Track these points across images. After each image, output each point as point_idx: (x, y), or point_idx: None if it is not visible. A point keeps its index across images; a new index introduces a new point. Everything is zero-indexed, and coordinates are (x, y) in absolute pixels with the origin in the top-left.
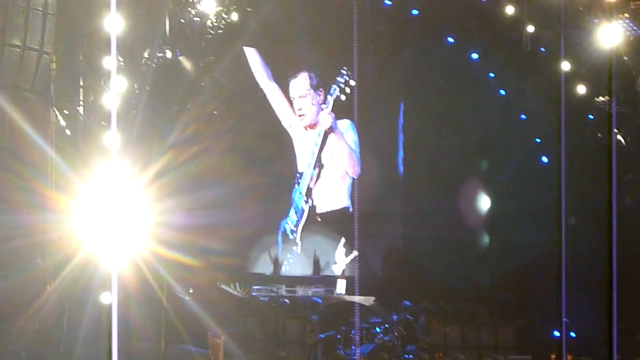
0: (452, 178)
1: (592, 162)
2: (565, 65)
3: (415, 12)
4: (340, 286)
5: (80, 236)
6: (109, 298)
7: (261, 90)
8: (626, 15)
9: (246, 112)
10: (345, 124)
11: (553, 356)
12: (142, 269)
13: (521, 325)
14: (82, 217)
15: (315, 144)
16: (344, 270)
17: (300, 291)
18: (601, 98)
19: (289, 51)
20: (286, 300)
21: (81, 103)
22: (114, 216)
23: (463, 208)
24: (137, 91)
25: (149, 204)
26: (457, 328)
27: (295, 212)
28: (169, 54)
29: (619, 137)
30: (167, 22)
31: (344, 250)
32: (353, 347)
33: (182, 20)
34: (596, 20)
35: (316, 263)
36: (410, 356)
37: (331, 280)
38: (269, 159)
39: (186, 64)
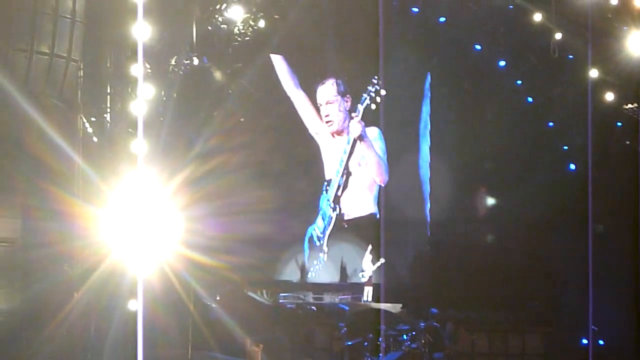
0: (479, 185)
1: (620, 170)
2: (594, 73)
3: (442, 19)
4: (367, 293)
5: (108, 243)
6: (135, 305)
7: (288, 97)
8: None
9: (274, 119)
10: (374, 133)
11: None
12: (169, 276)
13: (549, 333)
14: (109, 224)
15: (345, 152)
16: (370, 277)
17: (327, 298)
18: (630, 105)
19: (316, 58)
20: (313, 307)
21: (108, 110)
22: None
23: (490, 215)
24: (164, 98)
25: (175, 211)
26: (484, 336)
27: (323, 219)
28: (196, 61)
29: None
30: (194, 29)
31: (370, 257)
32: (380, 354)
33: (209, 28)
34: (625, 28)
35: (343, 270)
36: None
37: (358, 288)
38: (297, 166)
39: (213, 71)
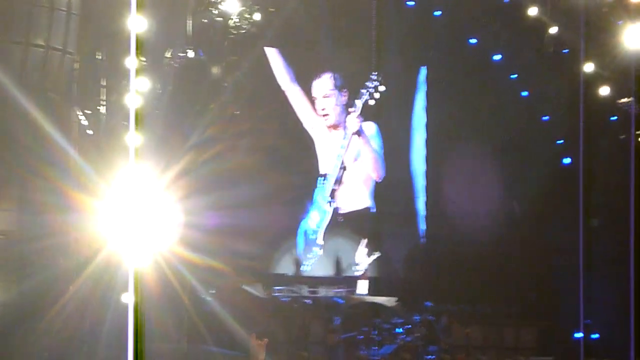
0: (474, 178)
1: (614, 164)
2: (588, 67)
3: (437, 13)
4: (362, 287)
5: (103, 236)
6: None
7: (283, 91)
8: None
9: (269, 112)
10: (371, 129)
11: None
12: (164, 269)
13: (544, 327)
14: (104, 217)
15: (342, 147)
16: (365, 270)
17: (322, 292)
18: (624, 99)
19: (312, 52)
20: (308, 300)
21: (103, 103)
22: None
23: (485, 209)
24: (159, 91)
25: (170, 204)
26: (479, 329)
27: (318, 213)
28: (191, 54)
29: None
30: (190, 22)
31: (365, 250)
32: (375, 347)
33: (205, 20)
34: (620, 22)
35: (338, 264)
36: (432, 357)
37: (353, 281)
38: (291, 160)
39: (209, 64)
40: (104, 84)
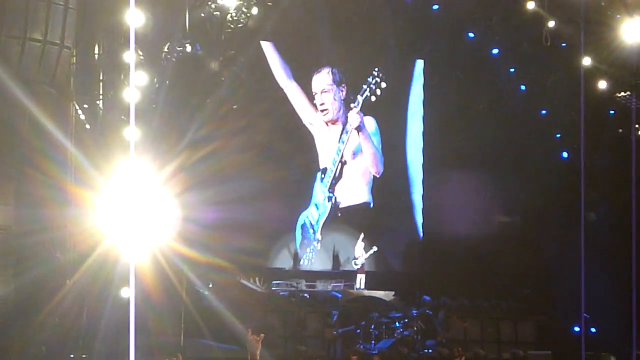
0: (472, 173)
1: (613, 158)
2: (587, 61)
3: (436, 7)
4: (360, 281)
5: (101, 230)
6: (127, 292)
7: (281, 87)
8: None
9: (267, 107)
10: (371, 124)
11: None
12: (161, 263)
13: (541, 321)
14: (102, 211)
15: (342, 142)
16: (363, 264)
17: (320, 286)
18: (622, 93)
19: (310, 46)
20: (306, 295)
21: (101, 97)
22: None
23: (483, 203)
24: (156, 85)
25: (168, 198)
26: (477, 323)
27: (317, 208)
28: (188, 48)
29: None
30: (187, 16)
31: (363, 245)
32: (372, 341)
33: (202, 15)
34: (618, 16)
35: (336, 258)
36: (430, 351)
37: (351, 275)
38: (289, 155)
39: (206, 58)
40: (102, 78)
